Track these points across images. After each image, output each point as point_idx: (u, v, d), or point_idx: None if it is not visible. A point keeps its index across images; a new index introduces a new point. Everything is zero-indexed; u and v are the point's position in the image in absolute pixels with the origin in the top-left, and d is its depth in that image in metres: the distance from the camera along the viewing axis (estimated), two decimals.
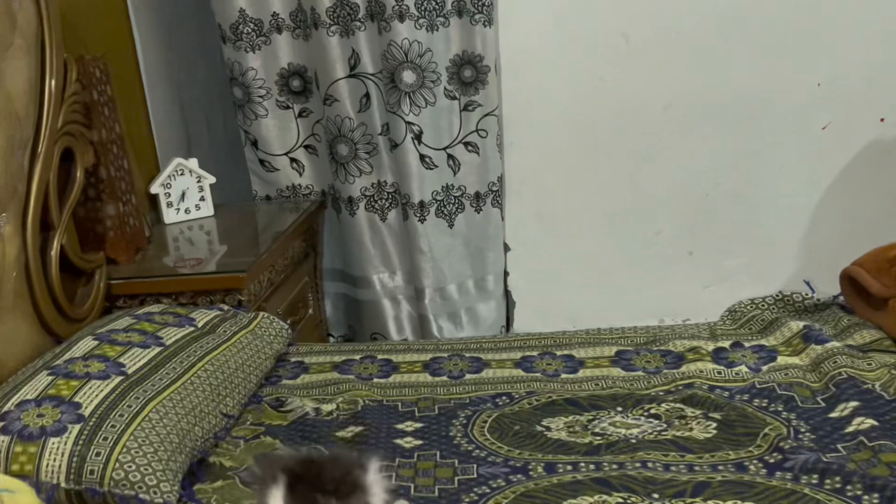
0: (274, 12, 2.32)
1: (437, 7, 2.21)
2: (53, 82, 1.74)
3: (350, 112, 2.32)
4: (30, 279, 1.65)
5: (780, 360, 1.55)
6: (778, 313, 1.70)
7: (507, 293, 2.51)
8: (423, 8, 2.20)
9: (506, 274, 2.49)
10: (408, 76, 2.24)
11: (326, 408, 1.54)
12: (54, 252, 1.73)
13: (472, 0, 2.21)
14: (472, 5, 2.22)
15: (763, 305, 1.73)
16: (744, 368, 1.54)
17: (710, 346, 1.62)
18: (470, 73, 2.28)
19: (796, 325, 1.62)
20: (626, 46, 2.29)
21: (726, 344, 1.63)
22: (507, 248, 2.48)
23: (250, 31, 2.33)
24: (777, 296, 1.75)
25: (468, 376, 1.63)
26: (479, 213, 2.39)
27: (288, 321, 2.12)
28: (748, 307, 1.74)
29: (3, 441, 1.27)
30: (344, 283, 2.55)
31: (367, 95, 2.30)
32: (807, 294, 1.75)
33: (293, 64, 2.37)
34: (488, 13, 2.23)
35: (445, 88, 2.28)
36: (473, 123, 2.32)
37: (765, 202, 2.32)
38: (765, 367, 1.54)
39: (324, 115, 2.36)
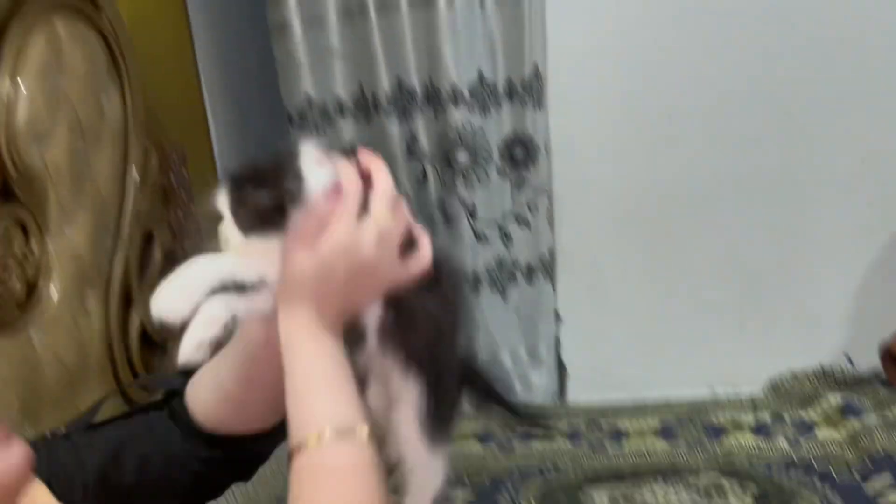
0: (338, 98, 2.48)
1: (489, 92, 2.35)
2: (135, 169, 1.91)
3: (407, 189, 2.45)
4: (112, 352, 1.79)
5: (819, 433, 1.61)
6: (818, 386, 1.75)
7: (559, 362, 2.58)
8: (476, 93, 2.34)
9: (558, 343, 2.57)
10: (461, 157, 2.36)
11: None
12: (135, 327, 1.88)
13: (523, 85, 2.34)
14: (523, 90, 2.35)
15: (804, 378, 1.79)
16: (783, 442, 1.59)
17: (751, 419, 1.67)
18: (521, 153, 2.40)
19: (835, 398, 1.67)
20: (671, 127, 2.39)
21: (766, 416, 1.68)
22: (558, 319, 2.56)
23: (315, 115, 2.49)
24: (818, 369, 1.80)
25: (517, 447, 1.71)
26: (530, 284, 2.49)
27: None
28: (789, 380, 1.80)
29: None
30: None
31: (424, 174, 2.43)
32: (846, 367, 1.80)
33: (356, 145, 2.52)
34: (538, 97, 2.35)
35: (497, 167, 2.40)
36: (524, 200, 2.43)
37: (811, 275, 2.37)
38: (803, 440, 1.59)
39: None
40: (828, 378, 1.78)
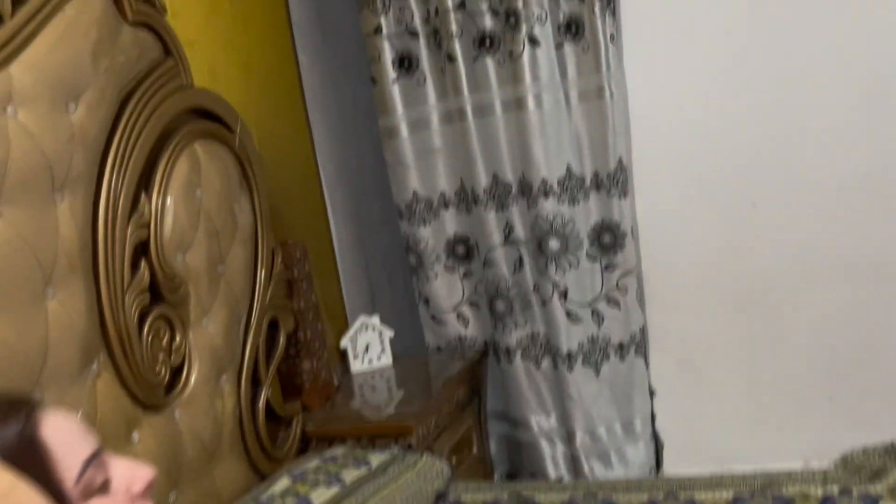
0: (441, 192, 2.74)
1: (577, 185, 2.55)
2: (263, 268, 2.19)
3: (506, 273, 2.67)
4: (242, 427, 2.05)
5: None
6: (887, 461, 1.84)
7: (654, 435, 2.71)
8: (564, 186, 2.55)
9: (653, 417, 2.70)
10: (553, 243, 2.57)
11: None
12: (261, 404, 2.13)
13: (609, 176, 2.54)
14: (608, 181, 2.54)
15: (873, 453, 1.87)
16: None
17: (819, 492, 1.78)
18: (609, 239, 2.58)
19: None
20: (755, 209, 2.52)
21: (835, 490, 1.78)
22: (652, 393, 2.69)
23: (422, 208, 2.75)
24: (888, 444, 1.88)
25: None
26: (623, 361, 2.64)
27: (453, 459, 2.44)
28: (859, 455, 1.89)
29: None
30: (506, 423, 2.85)
31: (520, 259, 2.65)
32: None
33: (458, 234, 2.76)
34: (623, 187, 2.54)
35: (587, 252, 2.59)
36: (614, 281, 2.60)
37: None
38: None
39: (484, 276, 2.72)
40: None
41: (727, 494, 1.85)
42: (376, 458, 2.04)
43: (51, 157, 1.55)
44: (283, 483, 1.86)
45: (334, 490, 1.83)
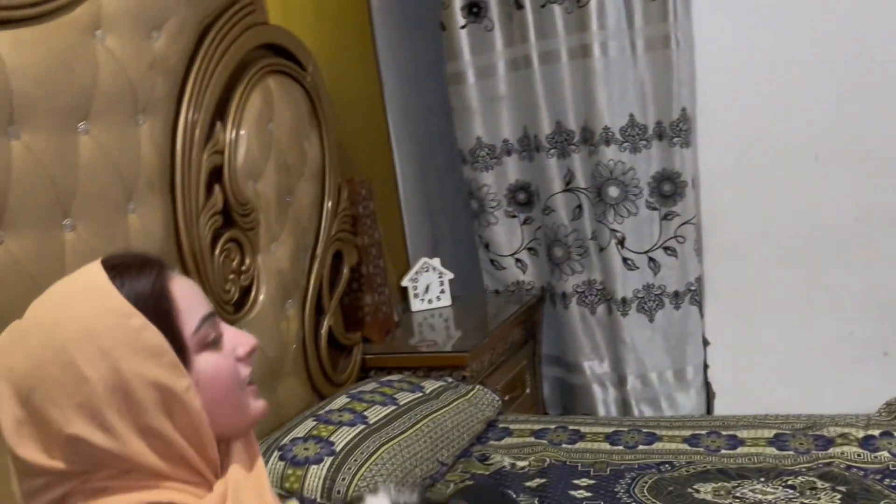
0: (504, 139, 2.79)
1: (639, 132, 2.58)
2: (330, 201, 2.29)
3: (565, 220, 2.72)
4: (305, 351, 2.17)
5: None
6: None
7: (706, 384, 2.75)
8: (627, 134, 2.58)
9: (705, 366, 2.74)
10: (612, 191, 2.61)
11: (520, 463, 1.91)
12: (324, 331, 2.24)
13: (672, 126, 2.56)
14: (671, 130, 2.56)
15: None
16: (885, 454, 1.72)
17: (861, 434, 1.81)
18: (669, 188, 2.61)
19: None
20: (816, 164, 2.52)
21: (876, 432, 1.81)
22: (706, 343, 2.73)
23: (485, 154, 2.81)
24: None
25: (641, 447, 1.93)
26: (677, 309, 2.68)
27: (506, 397, 2.52)
28: None
29: (280, 465, 1.75)
30: (560, 367, 2.92)
31: (580, 206, 2.69)
32: None
33: (519, 180, 2.82)
34: (686, 137, 2.56)
35: (647, 201, 2.62)
36: (672, 231, 2.63)
37: None
38: None
39: (543, 223, 2.78)
40: None
41: (769, 433, 1.90)
42: (430, 385, 2.13)
43: (134, 81, 1.65)
44: (340, 401, 1.97)
45: (389, 409, 1.93)
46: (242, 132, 1.97)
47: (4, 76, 1.39)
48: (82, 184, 1.53)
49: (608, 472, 1.82)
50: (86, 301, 0.93)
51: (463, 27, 2.71)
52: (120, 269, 0.95)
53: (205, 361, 0.97)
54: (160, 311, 0.94)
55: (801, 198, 2.55)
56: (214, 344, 0.99)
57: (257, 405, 1.04)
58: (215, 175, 1.89)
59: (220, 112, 1.91)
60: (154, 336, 0.92)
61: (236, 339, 1.02)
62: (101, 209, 1.57)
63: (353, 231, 2.41)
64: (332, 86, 2.40)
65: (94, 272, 0.95)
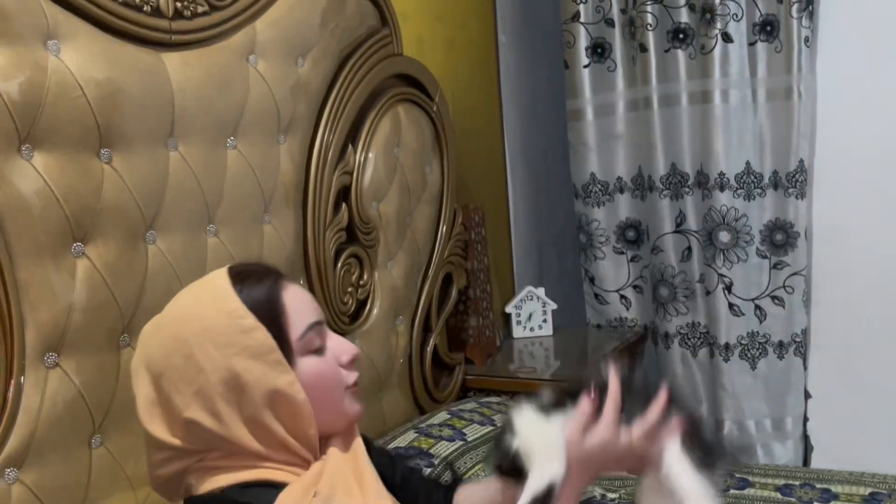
0: (619, 176, 2.85)
1: (755, 181, 2.60)
2: (444, 226, 2.39)
3: (673, 261, 2.75)
4: (411, 366, 2.27)
5: None
6: None
7: (805, 437, 2.72)
8: (742, 181, 2.60)
9: (805, 419, 2.71)
10: (723, 236, 2.63)
11: (610, 495, 1.95)
12: (430, 349, 2.34)
13: (788, 176, 2.57)
14: (787, 181, 2.57)
15: None
16: None
17: None
18: (781, 237, 2.61)
19: None
20: None
21: None
22: (807, 395, 2.71)
23: (598, 190, 2.87)
24: None
25: (732, 491, 1.95)
26: (781, 359, 2.67)
27: None
28: None
29: None
30: None
31: (689, 248, 2.72)
32: None
33: (630, 218, 2.86)
34: (801, 188, 2.56)
35: (757, 248, 2.63)
36: (781, 280, 2.63)
37: None
38: None
39: (651, 262, 2.82)
40: None
41: (864, 490, 1.89)
42: None
43: (280, 102, 1.79)
44: (441, 416, 2.06)
45: (487, 429, 2.01)
46: (371, 155, 2.09)
47: (170, 93, 1.55)
48: (227, 194, 1.67)
49: None
50: (208, 302, 1.07)
51: (586, 66, 2.79)
52: (242, 276, 1.09)
53: (307, 364, 1.09)
54: (271, 316, 1.06)
55: None
56: (319, 351, 1.11)
57: (353, 407, 1.14)
58: (343, 194, 2.02)
59: (352, 135, 2.04)
60: (263, 336, 1.04)
61: (340, 347, 1.14)
62: (240, 218, 1.70)
63: (464, 255, 2.50)
64: (456, 115, 2.51)
65: (220, 278, 1.09)
